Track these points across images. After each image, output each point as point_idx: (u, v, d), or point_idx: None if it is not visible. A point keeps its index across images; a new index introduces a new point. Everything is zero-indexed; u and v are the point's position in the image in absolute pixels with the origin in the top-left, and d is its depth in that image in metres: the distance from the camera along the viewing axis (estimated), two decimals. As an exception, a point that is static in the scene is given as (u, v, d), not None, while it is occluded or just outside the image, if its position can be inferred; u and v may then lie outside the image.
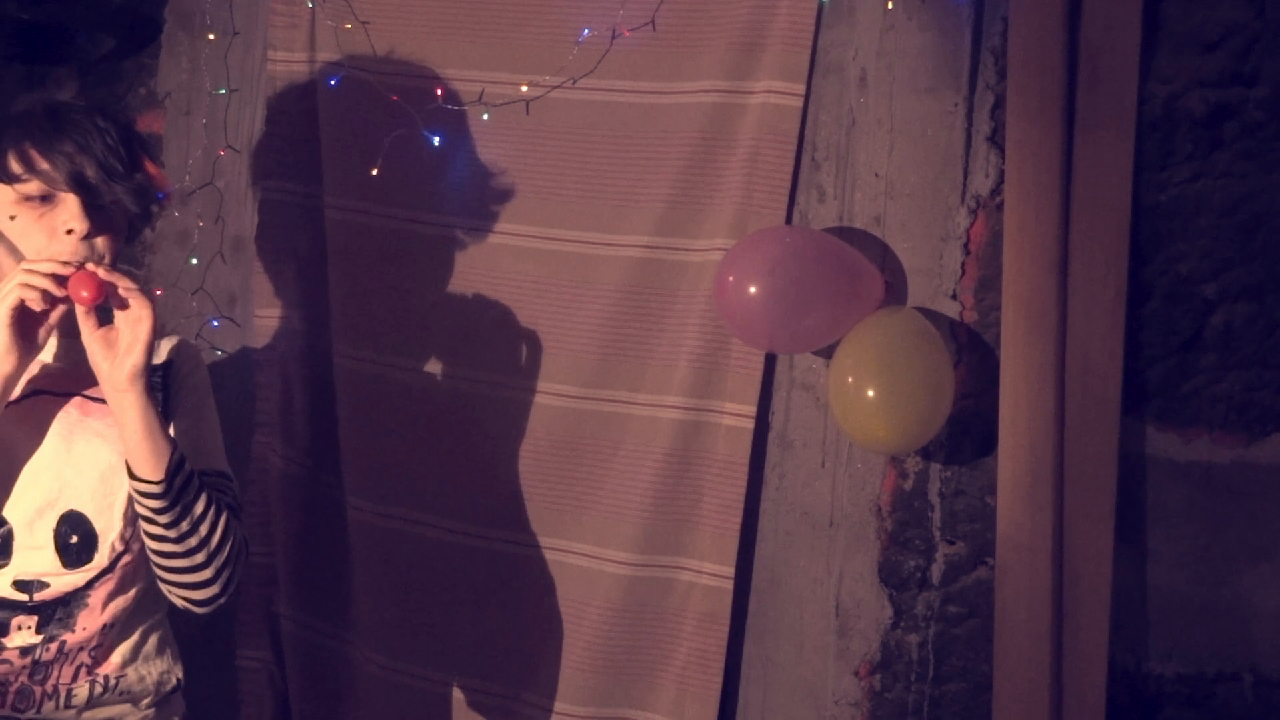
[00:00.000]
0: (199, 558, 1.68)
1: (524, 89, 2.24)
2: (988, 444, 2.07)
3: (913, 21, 2.08)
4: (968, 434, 2.09)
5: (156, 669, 1.82)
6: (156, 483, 1.64)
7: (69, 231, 1.61)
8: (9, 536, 1.68)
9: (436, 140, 2.27)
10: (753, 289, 2.00)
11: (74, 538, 1.70)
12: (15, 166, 1.60)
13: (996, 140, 2.05)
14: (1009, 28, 2.00)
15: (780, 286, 2.00)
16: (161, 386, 1.78)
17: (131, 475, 1.65)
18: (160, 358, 1.80)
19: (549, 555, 2.31)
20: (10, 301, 1.55)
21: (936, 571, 2.12)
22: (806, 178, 2.15)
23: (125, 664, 1.78)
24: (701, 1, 2.15)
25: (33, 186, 1.60)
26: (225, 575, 1.71)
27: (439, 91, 2.27)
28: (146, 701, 1.81)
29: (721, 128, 2.14)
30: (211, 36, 2.48)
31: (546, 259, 2.26)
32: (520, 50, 2.25)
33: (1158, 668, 2.04)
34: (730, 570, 2.19)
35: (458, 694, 2.39)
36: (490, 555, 2.34)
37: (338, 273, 2.39)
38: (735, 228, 2.14)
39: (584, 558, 2.28)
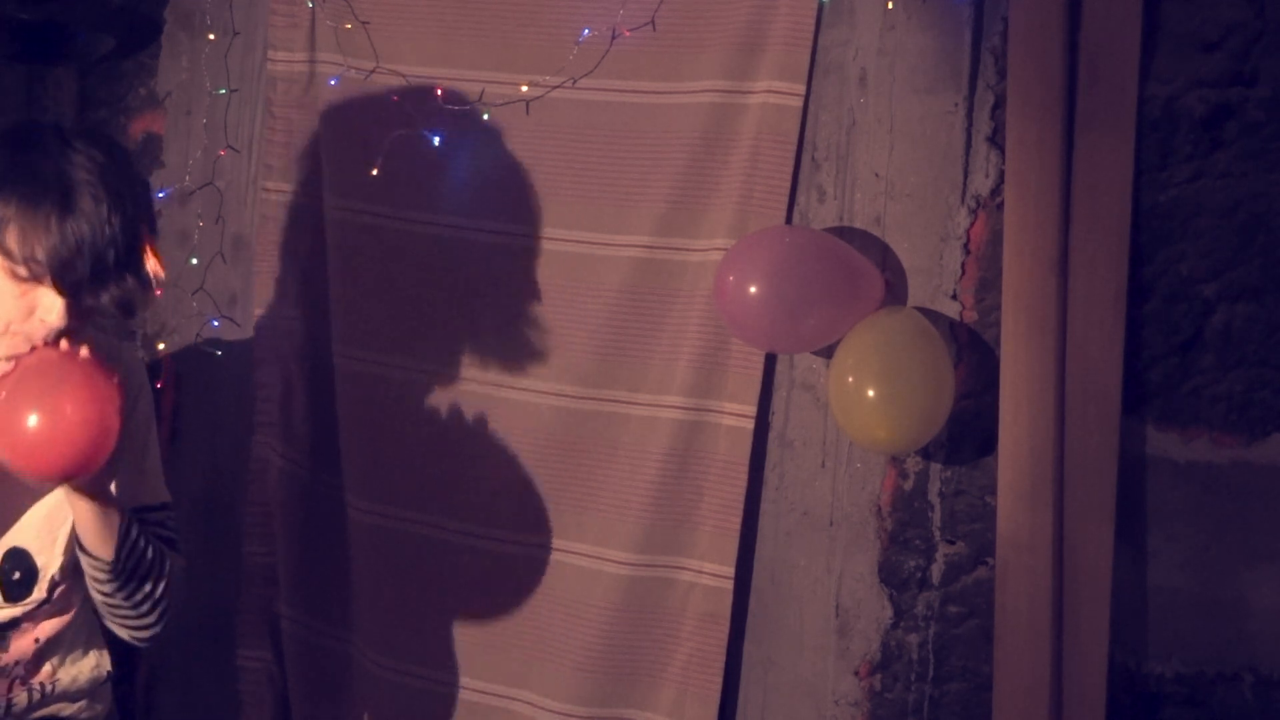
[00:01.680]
0: (144, 608, 1.75)
1: (524, 89, 2.24)
2: (988, 444, 2.07)
3: (913, 21, 2.08)
4: (968, 434, 2.09)
5: (88, 665, 1.87)
6: (106, 561, 1.68)
7: (43, 320, 1.55)
8: None
9: (436, 140, 2.26)
10: (753, 289, 2.00)
11: (16, 574, 1.71)
12: (14, 247, 1.51)
13: (996, 140, 2.04)
14: (1009, 28, 2.00)
15: (780, 287, 1.99)
16: None
17: (81, 546, 1.68)
18: None
19: (549, 555, 2.30)
20: None
21: (936, 571, 2.12)
22: (806, 178, 2.14)
23: (56, 670, 1.82)
24: (701, 1, 2.15)
25: (24, 270, 1.52)
26: (165, 613, 1.78)
27: (439, 91, 2.27)
28: (81, 694, 1.86)
29: (721, 128, 2.14)
30: (211, 36, 2.47)
31: (546, 259, 2.26)
32: (520, 50, 2.25)
33: (1158, 668, 2.04)
34: (730, 570, 2.19)
35: (458, 694, 2.38)
36: (490, 555, 2.34)
37: (337, 272, 2.39)
38: (735, 228, 2.14)
39: (584, 558, 2.28)
